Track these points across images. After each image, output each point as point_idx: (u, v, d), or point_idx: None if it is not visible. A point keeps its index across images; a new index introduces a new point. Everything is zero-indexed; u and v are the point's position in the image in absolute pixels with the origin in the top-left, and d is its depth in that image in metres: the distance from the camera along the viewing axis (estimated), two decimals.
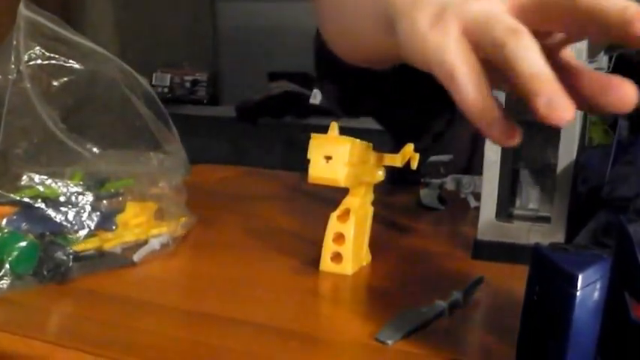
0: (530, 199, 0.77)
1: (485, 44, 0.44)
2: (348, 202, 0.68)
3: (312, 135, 0.61)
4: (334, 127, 0.62)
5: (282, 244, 0.78)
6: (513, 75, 0.42)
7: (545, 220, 0.72)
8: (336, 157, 0.60)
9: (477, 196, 0.82)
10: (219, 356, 0.51)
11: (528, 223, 0.72)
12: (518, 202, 0.77)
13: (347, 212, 0.68)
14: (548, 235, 0.70)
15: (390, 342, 0.52)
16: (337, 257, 0.68)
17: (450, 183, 0.90)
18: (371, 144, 0.67)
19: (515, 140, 0.43)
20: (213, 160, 1.41)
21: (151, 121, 0.78)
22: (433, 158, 0.92)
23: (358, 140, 0.64)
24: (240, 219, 0.90)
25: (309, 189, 0.83)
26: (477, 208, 0.74)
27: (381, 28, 0.57)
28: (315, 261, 0.69)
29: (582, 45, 0.66)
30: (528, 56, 0.42)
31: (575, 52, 0.67)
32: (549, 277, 0.45)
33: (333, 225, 0.67)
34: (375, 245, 0.72)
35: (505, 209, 0.76)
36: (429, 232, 0.85)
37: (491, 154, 0.71)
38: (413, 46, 0.48)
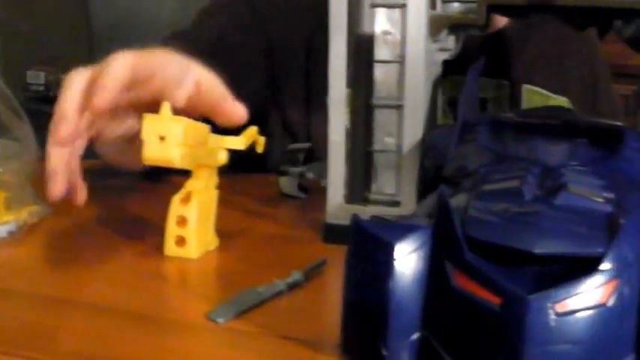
0: (386, 183, 0.76)
1: None
2: (190, 184, 0.68)
3: (145, 115, 0.60)
4: (166, 106, 0.61)
5: (135, 231, 0.77)
6: None
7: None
8: (169, 136, 0.59)
9: None
10: (56, 336, 0.51)
11: (381, 206, 0.72)
12: (374, 187, 0.76)
13: (189, 195, 0.67)
14: None
15: (221, 320, 0.52)
16: (181, 241, 0.67)
17: (308, 172, 0.89)
18: (209, 126, 0.67)
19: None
20: (91, 157, 1.37)
21: None
22: (292, 146, 0.91)
23: (193, 121, 0.63)
24: (97, 209, 0.88)
25: (174, 179, 0.82)
26: None
27: None
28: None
29: (421, 21, 0.67)
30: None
31: (414, 29, 0.67)
32: (367, 248, 0.45)
33: (176, 208, 0.67)
34: (226, 231, 0.72)
35: (360, 193, 0.75)
36: (284, 219, 0.85)
37: (335, 135, 0.71)
38: None
